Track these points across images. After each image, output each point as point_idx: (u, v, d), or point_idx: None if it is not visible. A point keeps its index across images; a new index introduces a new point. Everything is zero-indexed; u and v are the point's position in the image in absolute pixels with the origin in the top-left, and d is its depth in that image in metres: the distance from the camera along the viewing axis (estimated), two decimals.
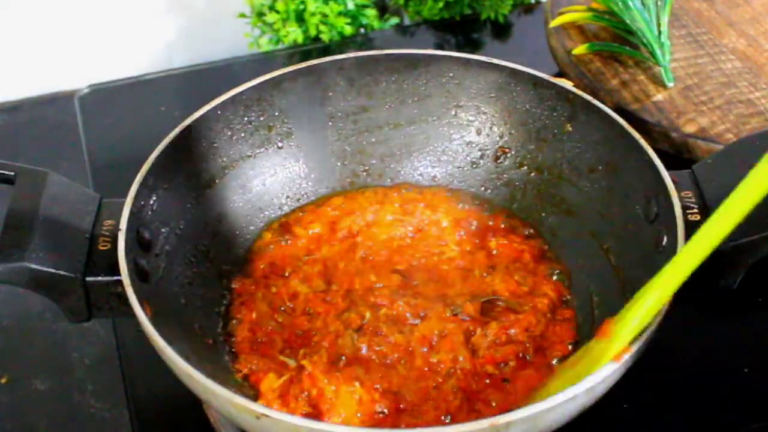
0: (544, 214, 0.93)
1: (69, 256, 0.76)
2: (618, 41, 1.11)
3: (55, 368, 0.89)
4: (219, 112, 0.89)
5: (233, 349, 0.82)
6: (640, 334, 0.69)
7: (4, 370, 0.89)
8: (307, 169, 0.95)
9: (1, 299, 0.93)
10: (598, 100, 0.89)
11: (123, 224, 0.76)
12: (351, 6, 1.24)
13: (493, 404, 0.77)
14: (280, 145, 0.94)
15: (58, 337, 0.91)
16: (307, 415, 0.75)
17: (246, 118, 0.91)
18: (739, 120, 1.02)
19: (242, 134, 0.91)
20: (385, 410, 0.77)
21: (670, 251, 0.74)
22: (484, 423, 0.63)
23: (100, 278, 0.76)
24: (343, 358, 0.80)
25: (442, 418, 0.76)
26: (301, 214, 0.93)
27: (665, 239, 0.77)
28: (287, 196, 0.94)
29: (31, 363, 0.90)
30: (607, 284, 0.84)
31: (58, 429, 0.85)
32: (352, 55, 0.94)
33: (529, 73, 0.92)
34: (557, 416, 0.66)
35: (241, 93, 0.90)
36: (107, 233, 0.78)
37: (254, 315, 0.85)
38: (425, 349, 0.81)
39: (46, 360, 0.90)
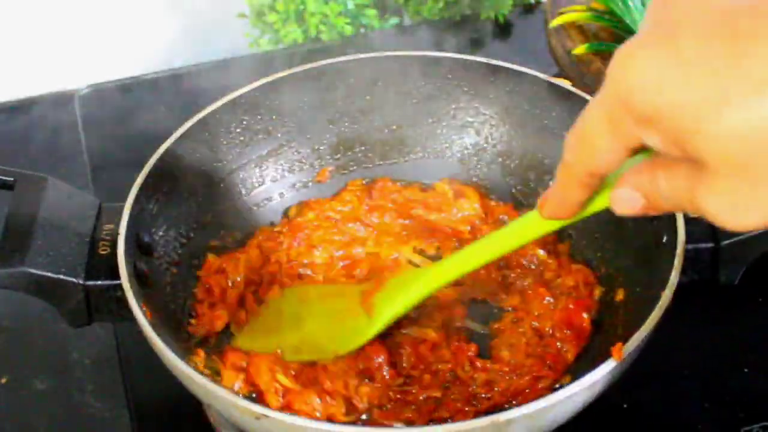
0: None
1: (69, 261, 0.76)
2: (618, 41, 1.10)
3: (55, 368, 0.89)
4: (218, 115, 0.89)
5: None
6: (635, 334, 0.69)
7: (4, 370, 0.89)
8: (309, 172, 0.95)
9: (1, 300, 0.93)
10: None
11: (123, 228, 0.77)
12: (351, 6, 1.24)
13: None
14: (280, 147, 0.94)
15: (58, 337, 0.91)
16: None
17: (245, 121, 0.91)
18: None
19: (242, 137, 0.91)
20: None
21: (670, 249, 0.74)
22: (485, 420, 0.63)
23: (100, 282, 0.76)
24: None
25: None
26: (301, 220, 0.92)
27: (665, 237, 0.77)
28: (287, 199, 0.94)
29: (31, 363, 0.90)
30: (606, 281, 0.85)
31: (58, 429, 0.85)
32: (352, 56, 0.94)
33: (528, 74, 0.92)
34: (558, 413, 0.67)
35: (241, 96, 0.90)
36: (107, 237, 0.79)
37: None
38: None
39: (46, 360, 0.90)
